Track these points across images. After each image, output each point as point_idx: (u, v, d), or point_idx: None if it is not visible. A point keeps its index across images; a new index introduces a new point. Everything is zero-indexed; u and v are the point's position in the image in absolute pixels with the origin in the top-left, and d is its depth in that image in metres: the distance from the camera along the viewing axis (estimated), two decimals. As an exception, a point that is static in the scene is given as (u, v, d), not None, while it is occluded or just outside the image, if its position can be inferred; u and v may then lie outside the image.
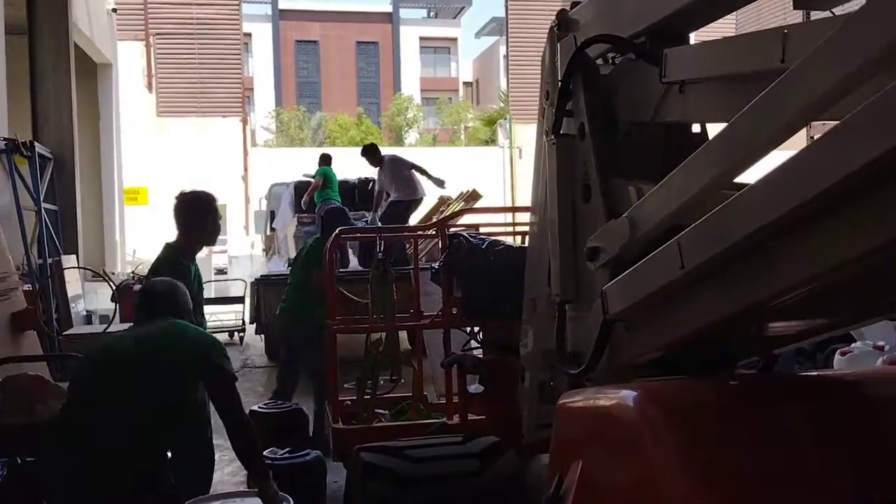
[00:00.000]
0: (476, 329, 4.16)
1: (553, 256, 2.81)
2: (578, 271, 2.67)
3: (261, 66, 43.73)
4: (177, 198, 3.87)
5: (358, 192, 11.66)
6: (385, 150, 10.90)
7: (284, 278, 8.12)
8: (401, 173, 9.95)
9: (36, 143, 7.98)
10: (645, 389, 2.07)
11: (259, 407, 5.09)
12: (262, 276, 8.34)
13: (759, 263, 1.68)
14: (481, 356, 4.13)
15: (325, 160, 11.06)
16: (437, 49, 50.26)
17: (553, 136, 2.76)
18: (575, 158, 2.69)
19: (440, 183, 9.96)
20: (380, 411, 4.81)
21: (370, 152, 10.34)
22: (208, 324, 10.48)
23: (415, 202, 9.99)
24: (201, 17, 19.41)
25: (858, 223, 1.43)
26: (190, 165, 19.25)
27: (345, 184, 11.53)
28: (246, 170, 19.54)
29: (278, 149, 27.79)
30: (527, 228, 5.68)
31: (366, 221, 10.46)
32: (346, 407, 4.45)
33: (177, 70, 19.34)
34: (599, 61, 2.80)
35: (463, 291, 4.06)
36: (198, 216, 3.77)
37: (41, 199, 7.85)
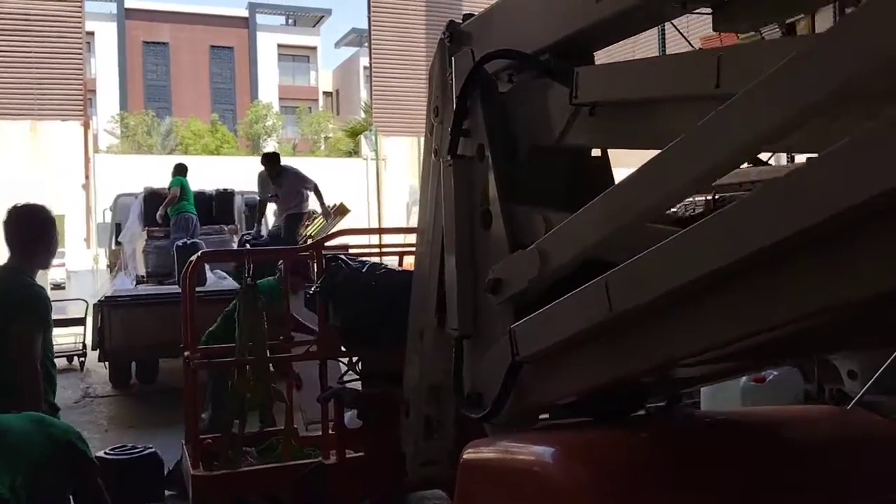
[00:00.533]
0: (354, 359, 3.88)
1: (449, 287, 2.59)
2: (478, 304, 2.47)
3: (105, 67, 41.11)
4: (9, 212, 3.36)
5: (216, 205, 11.00)
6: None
7: (133, 300, 7.47)
8: (303, 187, 9.67)
9: None
10: (561, 443, 1.89)
11: (106, 452, 4.49)
12: (106, 296, 7.57)
13: (693, 314, 1.53)
14: (360, 389, 3.86)
15: (181, 170, 10.35)
16: (295, 57, 49.35)
17: (448, 157, 2.55)
18: (473, 181, 2.49)
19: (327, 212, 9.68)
20: (246, 449, 4.41)
21: (273, 160, 9.91)
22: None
23: (308, 215, 9.78)
24: (39, 13, 17.78)
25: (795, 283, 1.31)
26: (25, 172, 17.58)
27: (201, 195, 10.85)
28: (87, 178, 18.07)
29: (125, 155, 26.04)
30: (399, 249, 5.47)
31: (250, 234, 9.95)
32: (206, 446, 4.03)
33: (10, 68, 17.61)
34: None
35: (342, 319, 3.77)
36: (36, 232, 3.31)
37: None
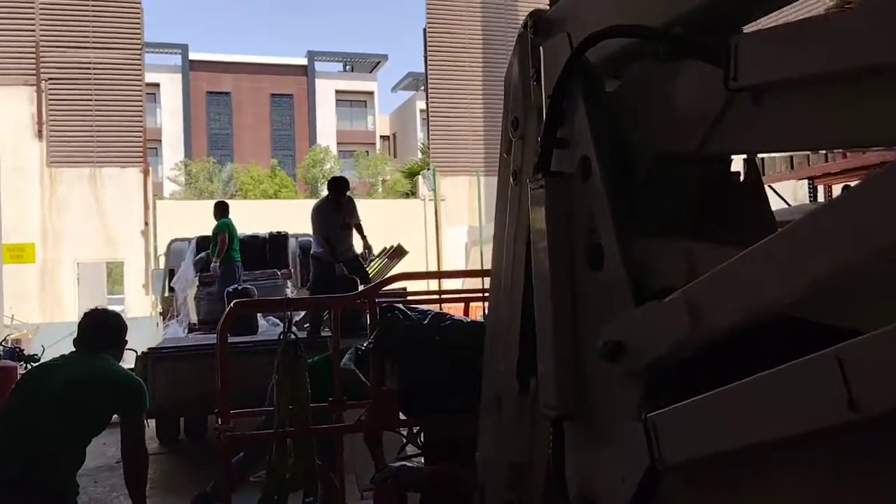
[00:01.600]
0: (415, 429, 3.23)
1: (541, 349, 1.95)
2: (583, 373, 1.81)
3: (170, 117, 42.34)
4: (87, 315, 3.60)
5: (269, 248, 10.59)
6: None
7: (178, 351, 7.00)
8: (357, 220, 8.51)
9: None
10: None
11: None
12: (150, 348, 7.10)
13: None
14: (422, 466, 3.20)
15: (224, 210, 9.78)
16: (353, 102, 49.98)
17: (538, 178, 1.92)
18: (573, 207, 1.85)
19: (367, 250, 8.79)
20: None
21: (343, 185, 8.54)
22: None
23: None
24: (100, 62, 18.06)
25: None
26: (85, 219, 17.67)
27: (254, 239, 10.47)
28: (147, 223, 18.05)
29: (184, 201, 26.23)
30: (465, 295, 4.84)
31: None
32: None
33: (71, 117, 17.86)
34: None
35: (400, 381, 3.13)
36: (110, 338, 3.58)
37: None
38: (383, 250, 9.10)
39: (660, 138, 1.74)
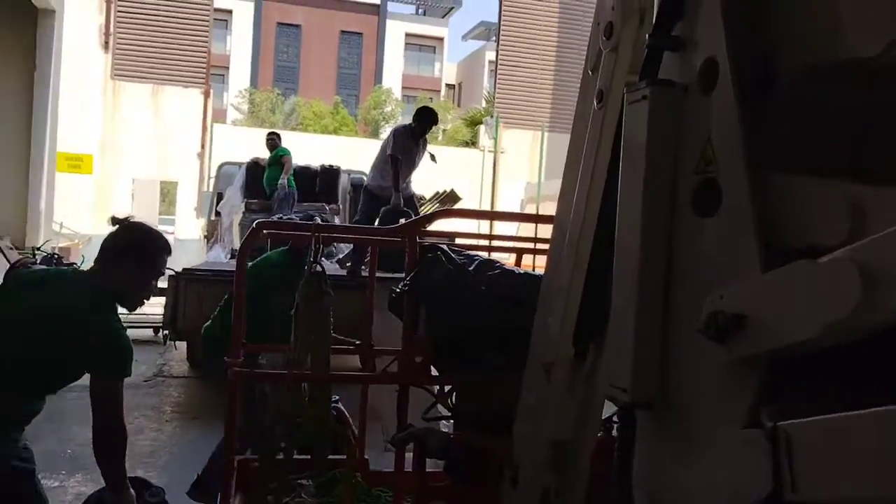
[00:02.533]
0: (447, 388, 2.83)
1: (617, 317, 1.50)
2: (674, 352, 1.38)
3: (239, 45, 42.25)
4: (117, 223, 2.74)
5: (320, 181, 10.27)
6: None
7: (213, 274, 6.73)
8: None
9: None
10: None
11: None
12: (184, 268, 6.84)
13: None
14: (449, 431, 2.83)
15: (276, 140, 9.72)
16: (422, 47, 49.20)
17: (639, 86, 1.46)
18: (684, 128, 1.40)
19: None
20: (300, 481, 3.45)
21: (433, 117, 7.85)
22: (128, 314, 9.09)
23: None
24: (171, -24, 17.82)
25: None
26: (143, 136, 17.63)
27: (306, 170, 10.17)
28: (203, 146, 17.94)
29: (242, 128, 26.11)
30: (517, 245, 4.38)
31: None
32: (249, 469, 3.09)
33: (138, 32, 17.69)
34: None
35: (433, 330, 2.73)
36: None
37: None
38: (435, 194, 8.69)
39: (822, 41, 1.25)
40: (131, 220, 2.81)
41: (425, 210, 8.59)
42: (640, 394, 1.39)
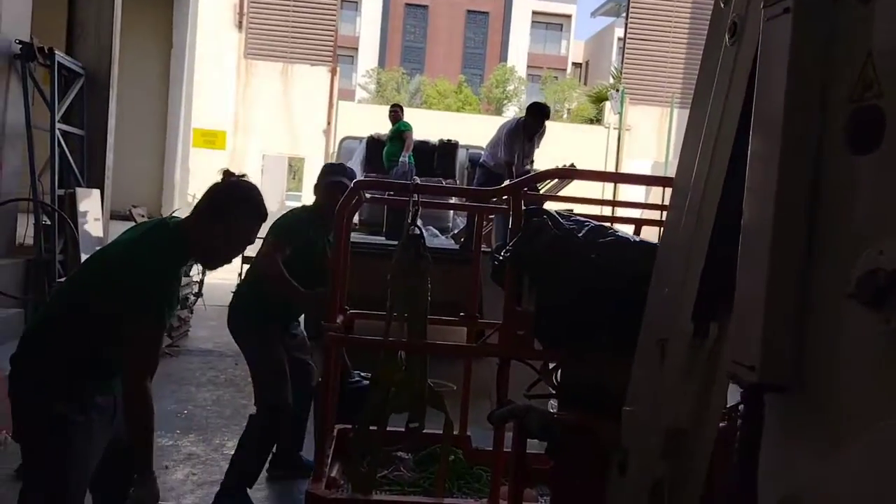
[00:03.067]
0: (552, 365, 2.62)
1: (744, 281, 1.25)
2: (815, 323, 1.12)
3: (368, 26, 43.11)
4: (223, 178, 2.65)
5: (437, 157, 10.19)
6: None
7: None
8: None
9: (60, 54, 6.79)
10: None
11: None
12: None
13: None
14: (553, 411, 2.62)
15: (399, 113, 9.68)
16: (548, 25, 48.37)
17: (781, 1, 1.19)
18: (837, 44, 1.13)
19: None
20: (400, 455, 3.35)
21: (544, 113, 7.86)
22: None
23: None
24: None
25: None
26: (273, 113, 18.22)
27: (423, 145, 10.10)
28: (329, 123, 18.32)
29: (367, 105, 26.54)
30: (637, 215, 4.08)
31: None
32: (345, 440, 3.01)
33: (270, 12, 18.26)
34: None
35: (538, 301, 2.52)
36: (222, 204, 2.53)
37: (56, 118, 6.66)
38: (555, 168, 8.38)
39: None
40: (242, 178, 2.68)
41: (546, 189, 8.31)
42: (771, 372, 1.14)
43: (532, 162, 7.85)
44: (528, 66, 44.18)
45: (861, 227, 1.04)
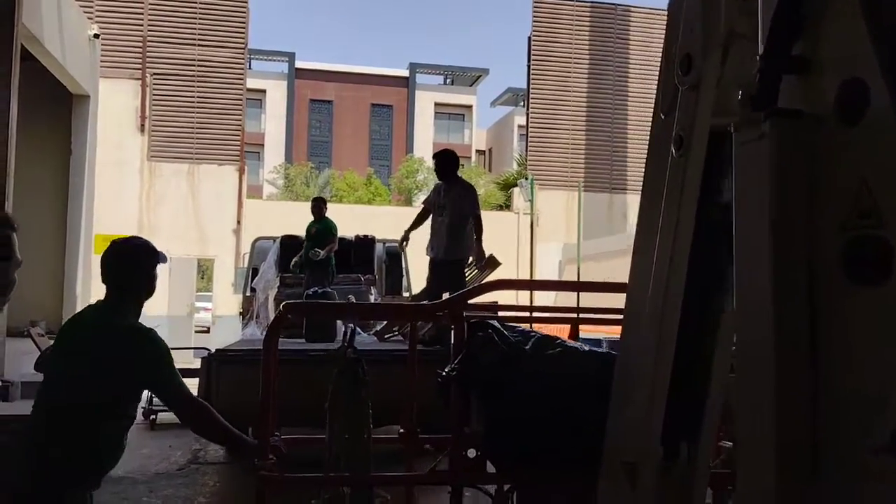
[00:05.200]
0: (506, 487, 2.46)
1: (745, 406, 1.15)
2: (828, 473, 1.03)
3: (273, 122, 43.32)
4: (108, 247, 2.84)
5: (354, 252, 10.06)
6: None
7: (246, 355, 6.44)
8: (469, 210, 7.12)
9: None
10: None
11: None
12: (217, 349, 6.57)
13: None
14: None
15: (322, 207, 9.46)
16: (451, 115, 49.85)
17: (753, 122, 1.15)
18: (822, 170, 1.08)
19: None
20: None
21: (451, 161, 7.33)
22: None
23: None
24: (204, 59, 18.19)
25: None
26: (181, 215, 17.76)
27: (342, 241, 9.97)
28: (239, 222, 17.98)
29: (277, 202, 26.32)
30: (570, 316, 3.99)
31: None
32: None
33: (174, 113, 18.04)
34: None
35: (488, 422, 2.38)
36: (127, 267, 2.78)
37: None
38: (472, 261, 8.37)
39: None
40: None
41: (469, 280, 8.21)
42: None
43: (448, 215, 7.19)
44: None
45: (868, 358, 0.96)
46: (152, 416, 8.96)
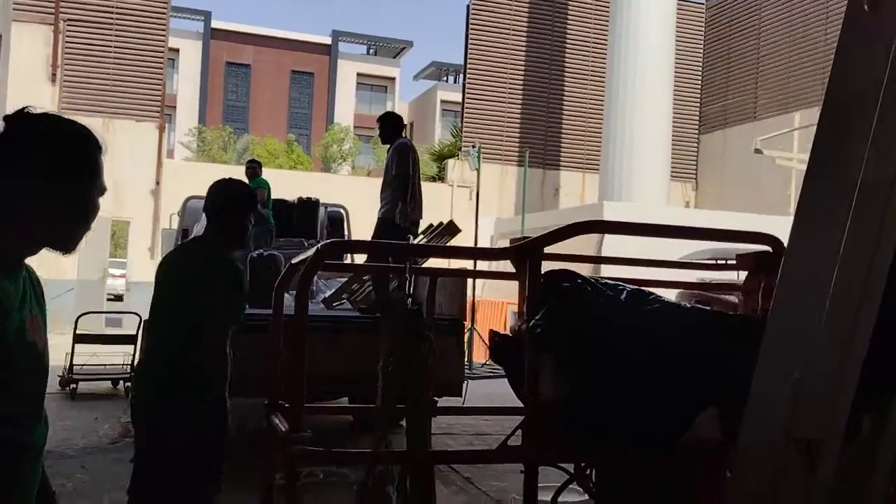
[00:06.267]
0: (583, 465, 2.11)
1: None
2: None
3: (186, 84, 41.28)
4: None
5: (296, 215, 9.49)
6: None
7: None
8: (398, 170, 6.87)
9: None
10: None
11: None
12: (162, 313, 5.92)
13: None
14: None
15: (257, 169, 9.01)
16: (373, 87, 49.01)
17: None
18: None
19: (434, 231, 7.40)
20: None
21: (394, 123, 7.21)
22: (85, 365, 7.86)
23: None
24: (123, 6, 16.93)
25: None
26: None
27: (281, 203, 9.40)
28: (158, 183, 16.91)
29: (198, 163, 25.04)
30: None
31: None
32: None
33: (89, 63, 16.72)
34: None
35: (570, 389, 2.03)
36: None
37: None
38: (430, 227, 7.97)
39: None
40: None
41: (429, 241, 7.77)
42: None
43: (384, 175, 7.17)
44: (356, 127, 44.34)
45: None
46: (72, 386, 8.20)
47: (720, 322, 1.90)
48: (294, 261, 3.16)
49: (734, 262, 2.16)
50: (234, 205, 3.10)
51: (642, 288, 2.12)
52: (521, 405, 2.68)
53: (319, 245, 2.03)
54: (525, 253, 2.08)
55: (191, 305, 2.69)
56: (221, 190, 3.18)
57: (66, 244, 1.46)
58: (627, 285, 2.10)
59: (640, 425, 1.96)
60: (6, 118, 1.50)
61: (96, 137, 1.57)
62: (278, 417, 2.28)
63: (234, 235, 3.09)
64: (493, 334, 2.25)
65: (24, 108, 1.49)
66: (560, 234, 2.00)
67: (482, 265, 10.66)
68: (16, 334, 1.34)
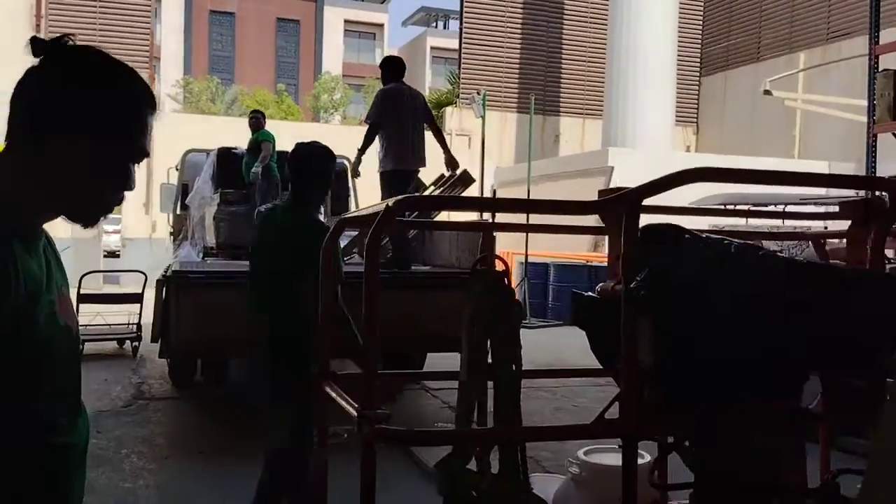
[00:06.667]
0: (685, 439, 1.93)
1: None
2: None
3: (170, 34, 40.29)
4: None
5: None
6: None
7: (213, 277, 5.63)
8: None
9: None
10: None
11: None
12: (175, 271, 5.63)
13: None
14: None
15: (261, 120, 8.74)
16: (361, 34, 48.07)
17: None
18: None
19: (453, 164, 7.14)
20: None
21: (397, 68, 7.09)
22: (90, 325, 7.68)
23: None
24: (106, -48, 16.27)
25: None
26: (81, 127, 16.08)
27: (284, 155, 9.11)
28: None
29: (189, 115, 24.47)
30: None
31: None
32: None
33: (73, 13, 16.12)
34: None
35: (672, 353, 1.83)
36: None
37: None
38: (441, 178, 7.71)
39: None
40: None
41: (440, 192, 7.54)
42: None
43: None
44: (344, 76, 43.56)
45: None
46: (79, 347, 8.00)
47: (835, 277, 1.70)
48: (345, 216, 2.93)
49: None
50: (318, 170, 3.36)
51: (749, 243, 1.91)
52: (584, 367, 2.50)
53: (390, 201, 1.80)
54: (621, 205, 1.86)
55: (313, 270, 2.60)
56: (308, 153, 3.38)
57: (88, 215, 1.24)
58: (731, 239, 1.90)
59: (750, 392, 1.78)
60: (36, 47, 1.23)
61: (149, 93, 1.28)
62: (334, 390, 2.08)
63: (316, 197, 3.43)
64: (577, 296, 2.05)
65: (62, 37, 1.23)
66: (664, 184, 1.78)
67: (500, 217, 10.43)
68: (47, 322, 1.11)
